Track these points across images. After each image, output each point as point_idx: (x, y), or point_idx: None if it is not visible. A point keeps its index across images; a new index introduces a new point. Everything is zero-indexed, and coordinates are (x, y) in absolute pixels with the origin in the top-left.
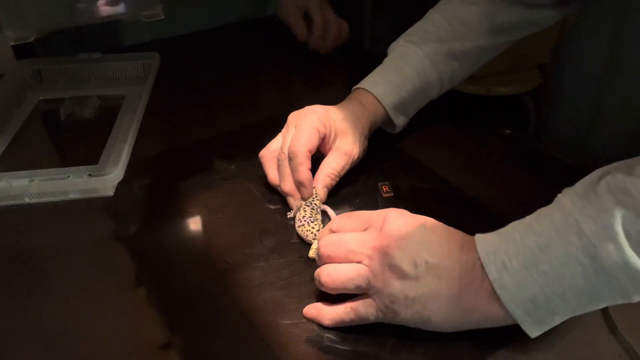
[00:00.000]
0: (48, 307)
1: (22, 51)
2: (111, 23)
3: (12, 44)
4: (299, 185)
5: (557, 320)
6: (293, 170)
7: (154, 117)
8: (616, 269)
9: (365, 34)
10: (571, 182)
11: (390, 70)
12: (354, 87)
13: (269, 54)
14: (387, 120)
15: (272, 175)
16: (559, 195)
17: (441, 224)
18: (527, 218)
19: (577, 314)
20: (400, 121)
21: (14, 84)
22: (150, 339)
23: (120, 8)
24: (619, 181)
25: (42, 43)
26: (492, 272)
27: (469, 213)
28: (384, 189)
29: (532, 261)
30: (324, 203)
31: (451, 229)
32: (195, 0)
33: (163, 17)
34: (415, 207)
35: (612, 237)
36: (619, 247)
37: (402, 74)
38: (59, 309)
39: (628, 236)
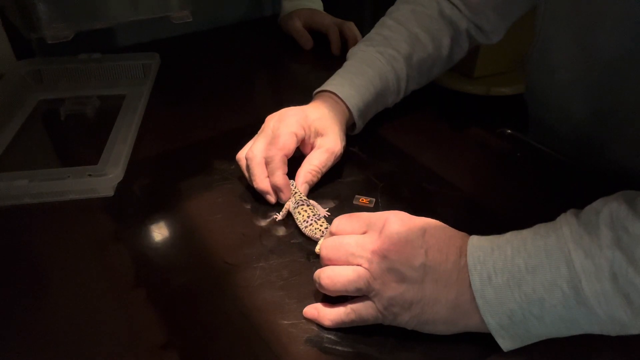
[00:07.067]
0: (48, 307)
1: (22, 51)
2: None
3: (51, 42)
4: (276, 189)
5: (533, 339)
6: (270, 174)
7: (154, 117)
8: (597, 307)
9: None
10: (570, 182)
11: (354, 73)
12: (317, 90)
13: (268, 54)
14: (350, 122)
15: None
16: (562, 216)
17: (442, 226)
18: (525, 232)
19: (554, 336)
20: (360, 124)
21: (14, 84)
22: (150, 339)
23: (151, 8)
24: (622, 215)
25: (42, 43)
26: (475, 282)
27: (469, 213)
28: (362, 201)
29: (517, 280)
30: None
31: (452, 231)
32: (195, 1)
33: (191, 19)
34: (415, 207)
35: (599, 276)
36: (604, 289)
37: (366, 77)
38: (59, 309)
39: (614, 279)
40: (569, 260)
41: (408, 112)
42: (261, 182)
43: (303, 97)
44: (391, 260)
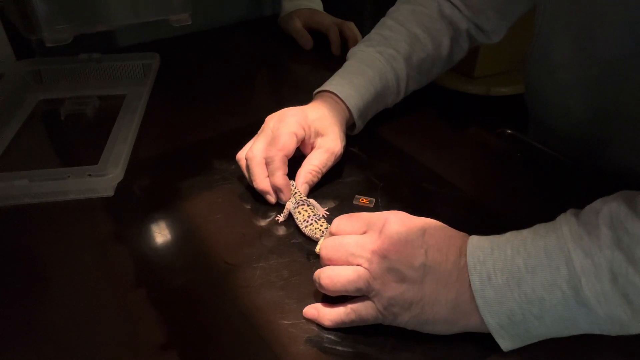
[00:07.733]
0: (48, 307)
1: (22, 51)
2: None
3: (50, 45)
4: (276, 190)
5: (533, 339)
6: (270, 175)
7: (154, 117)
8: (597, 307)
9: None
10: (570, 182)
11: (354, 73)
12: (317, 90)
13: (268, 54)
14: (350, 122)
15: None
16: (562, 216)
17: (442, 226)
18: (525, 232)
19: (554, 336)
20: (360, 124)
21: (14, 84)
22: (150, 339)
23: (151, 11)
24: (622, 215)
25: (42, 43)
26: (475, 282)
27: (469, 213)
28: (362, 201)
29: (516, 280)
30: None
31: (452, 231)
32: (195, 1)
33: (190, 22)
34: (415, 207)
35: (599, 276)
36: (603, 289)
37: (365, 78)
38: (59, 309)
39: (614, 279)
40: (568, 260)
41: (408, 112)
42: (261, 182)
43: (303, 97)
44: (391, 260)
